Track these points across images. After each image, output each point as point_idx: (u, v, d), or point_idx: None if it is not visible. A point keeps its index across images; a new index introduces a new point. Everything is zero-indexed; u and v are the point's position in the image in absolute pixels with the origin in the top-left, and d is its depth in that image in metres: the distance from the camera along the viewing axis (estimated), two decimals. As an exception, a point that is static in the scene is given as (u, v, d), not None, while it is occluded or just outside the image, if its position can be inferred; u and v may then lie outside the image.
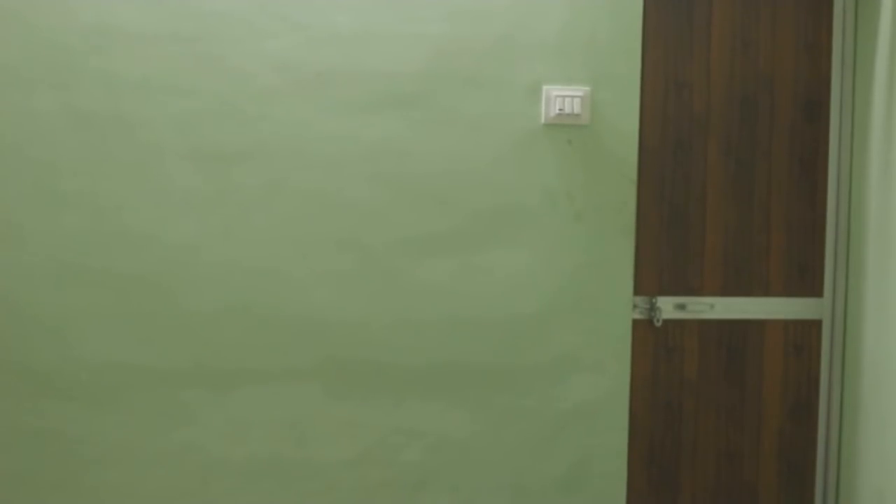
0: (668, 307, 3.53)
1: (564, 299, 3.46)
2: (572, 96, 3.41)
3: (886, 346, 3.29)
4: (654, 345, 3.54)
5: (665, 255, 3.52)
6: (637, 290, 3.51)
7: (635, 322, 3.53)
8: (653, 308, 3.53)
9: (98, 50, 3.28)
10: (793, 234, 3.58)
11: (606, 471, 3.49)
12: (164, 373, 3.33)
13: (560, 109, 3.41)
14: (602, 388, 3.48)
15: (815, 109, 3.60)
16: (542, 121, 3.43)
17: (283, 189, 3.36)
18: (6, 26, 3.25)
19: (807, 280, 3.61)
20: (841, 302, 3.59)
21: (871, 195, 3.43)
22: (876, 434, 3.38)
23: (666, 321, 3.52)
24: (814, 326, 3.61)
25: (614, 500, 3.49)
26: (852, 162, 3.56)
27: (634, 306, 3.52)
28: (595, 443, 3.48)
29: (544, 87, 3.42)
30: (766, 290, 3.57)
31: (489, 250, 3.43)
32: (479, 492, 3.48)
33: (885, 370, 3.31)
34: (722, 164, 3.44)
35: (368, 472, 3.44)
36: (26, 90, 3.26)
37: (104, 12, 3.28)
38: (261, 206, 3.36)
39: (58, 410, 3.30)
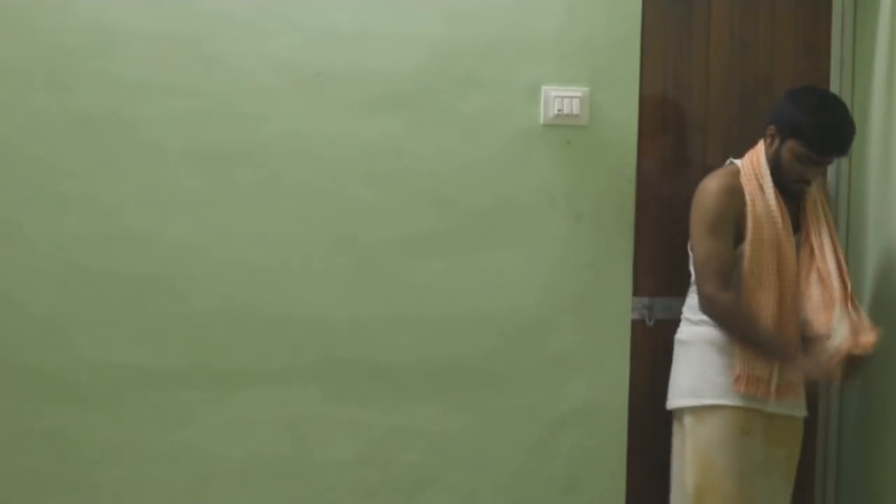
0: (667, 307, 3.52)
1: (563, 299, 3.46)
2: (571, 97, 3.41)
3: (885, 347, 3.30)
4: (653, 345, 3.54)
5: (664, 256, 3.52)
6: (636, 291, 3.52)
7: (634, 322, 3.53)
8: (650, 308, 3.54)
9: (97, 50, 3.28)
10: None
11: (606, 471, 3.49)
12: (163, 373, 3.33)
13: (559, 110, 3.41)
14: (601, 388, 3.48)
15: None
16: (541, 121, 3.43)
17: (282, 189, 3.36)
18: (6, 26, 3.25)
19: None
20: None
21: (870, 194, 3.44)
22: (873, 435, 3.39)
23: (665, 321, 3.51)
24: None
25: (613, 501, 3.50)
26: (851, 161, 3.57)
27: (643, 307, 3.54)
28: (594, 443, 3.49)
29: (543, 88, 3.42)
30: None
31: (488, 250, 3.44)
32: (478, 492, 3.48)
33: (883, 370, 3.32)
34: (721, 163, 3.43)
35: (367, 473, 3.44)
36: (26, 90, 3.26)
37: (103, 12, 3.28)
38: (260, 206, 3.36)
39: (58, 411, 3.30)
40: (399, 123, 3.40)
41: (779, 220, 3.14)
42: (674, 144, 3.56)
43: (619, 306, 3.49)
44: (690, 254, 3.26)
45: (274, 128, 3.35)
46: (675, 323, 3.38)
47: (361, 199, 3.39)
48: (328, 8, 3.37)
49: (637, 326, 3.54)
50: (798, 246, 3.19)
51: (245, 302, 3.37)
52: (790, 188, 3.18)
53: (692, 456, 3.20)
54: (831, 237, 3.19)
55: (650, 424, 3.49)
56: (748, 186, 3.16)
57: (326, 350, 3.40)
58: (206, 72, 3.33)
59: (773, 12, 3.60)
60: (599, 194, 3.46)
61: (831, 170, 3.56)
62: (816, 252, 3.17)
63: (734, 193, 3.16)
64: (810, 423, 3.47)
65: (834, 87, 3.60)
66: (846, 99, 3.57)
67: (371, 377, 3.42)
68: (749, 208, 3.14)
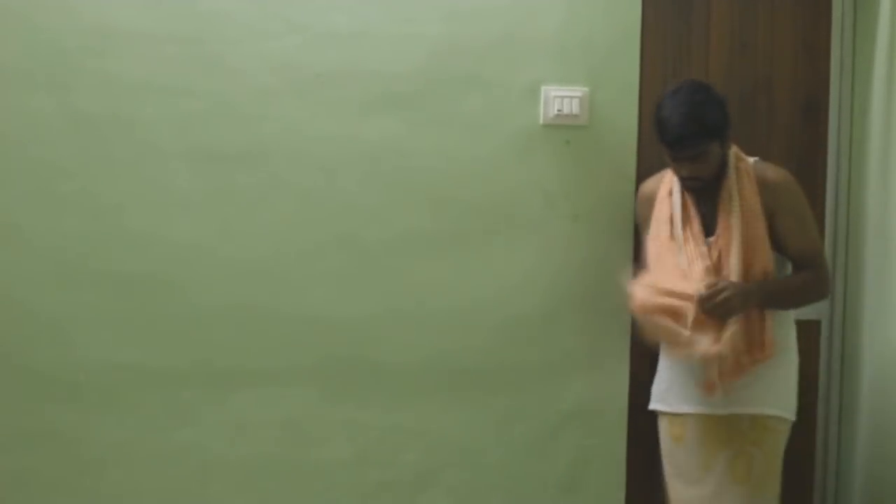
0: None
1: (563, 299, 3.46)
2: (571, 97, 3.42)
3: (885, 347, 3.30)
4: (652, 345, 3.53)
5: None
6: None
7: (634, 323, 3.52)
8: None
9: (97, 50, 3.29)
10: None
11: (605, 471, 3.50)
12: (163, 373, 3.34)
13: (559, 110, 3.41)
14: (601, 388, 3.49)
15: (813, 110, 3.61)
16: (541, 121, 3.43)
17: (282, 189, 3.37)
18: (6, 26, 3.25)
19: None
20: (840, 302, 3.59)
21: (869, 195, 3.44)
22: (874, 434, 3.38)
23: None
24: (813, 327, 3.61)
25: (613, 501, 3.50)
26: (851, 162, 3.57)
27: None
28: (594, 443, 3.49)
29: (543, 88, 3.43)
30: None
31: (488, 250, 3.44)
32: (478, 492, 3.48)
33: (883, 370, 3.32)
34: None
35: (367, 472, 3.44)
36: (26, 90, 3.27)
37: (104, 13, 3.28)
38: (259, 206, 3.36)
39: (58, 411, 3.30)
40: (399, 123, 3.40)
41: (677, 224, 3.08)
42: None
43: (618, 306, 3.48)
44: None
45: (274, 128, 3.36)
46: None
47: (361, 198, 3.39)
48: (328, 8, 3.37)
49: (636, 327, 3.53)
50: (709, 248, 3.05)
51: (245, 301, 3.37)
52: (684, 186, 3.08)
53: None
54: (743, 241, 3.00)
55: (650, 424, 3.49)
56: (663, 190, 3.17)
57: (326, 349, 3.40)
58: (206, 72, 3.33)
59: (772, 12, 3.60)
60: (599, 194, 3.46)
61: (831, 170, 3.57)
62: (723, 256, 3.02)
63: (644, 195, 3.28)
64: (810, 426, 3.47)
65: (834, 87, 3.60)
66: (846, 99, 3.57)
67: (371, 377, 3.42)
68: (655, 210, 3.18)
